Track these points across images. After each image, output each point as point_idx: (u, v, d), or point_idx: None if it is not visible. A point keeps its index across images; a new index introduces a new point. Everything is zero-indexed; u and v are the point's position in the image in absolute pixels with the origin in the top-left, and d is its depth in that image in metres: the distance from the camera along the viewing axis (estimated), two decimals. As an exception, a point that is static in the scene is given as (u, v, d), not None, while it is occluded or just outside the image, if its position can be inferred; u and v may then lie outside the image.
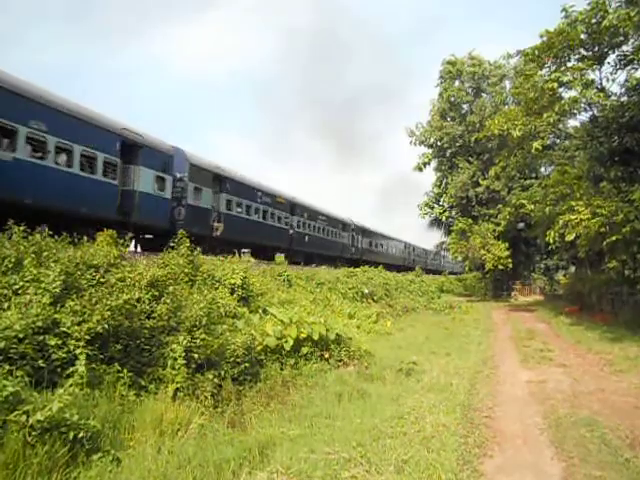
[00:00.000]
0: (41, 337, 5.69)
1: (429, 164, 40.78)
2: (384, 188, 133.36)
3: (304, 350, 9.16)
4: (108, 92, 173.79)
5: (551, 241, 19.38)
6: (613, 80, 20.22)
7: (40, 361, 5.50)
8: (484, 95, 39.98)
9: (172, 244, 11.01)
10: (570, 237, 17.16)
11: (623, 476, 5.09)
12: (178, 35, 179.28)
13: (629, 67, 19.29)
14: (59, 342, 5.79)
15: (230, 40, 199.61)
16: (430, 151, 40.75)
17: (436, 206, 42.20)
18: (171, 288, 8.07)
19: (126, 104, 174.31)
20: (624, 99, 19.94)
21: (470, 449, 5.68)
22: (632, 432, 6.41)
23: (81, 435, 4.74)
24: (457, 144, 39.44)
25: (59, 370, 5.69)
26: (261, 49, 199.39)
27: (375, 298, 21.53)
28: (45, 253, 7.47)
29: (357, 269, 25.93)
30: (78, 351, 5.78)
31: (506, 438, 6.26)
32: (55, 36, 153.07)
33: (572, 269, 37.10)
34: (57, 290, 6.40)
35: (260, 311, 10.72)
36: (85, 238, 9.11)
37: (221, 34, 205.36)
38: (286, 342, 8.89)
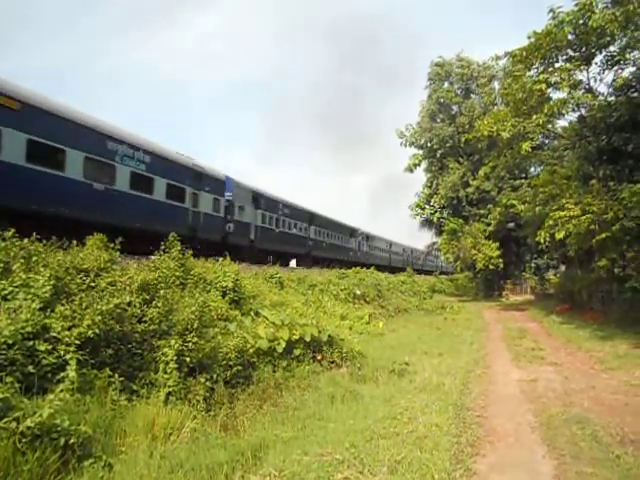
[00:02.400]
0: (31, 343, 5.63)
1: (419, 165, 41.06)
2: (384, 186, 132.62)
3: (296, 352, 9.15)
4: (94, 94, 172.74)
5: (542, 241, 19.50)
6: (601, 80, 20.39)
7: (30, 367, 5.44)
8: (473, 96, 40.30)
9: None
10: (560, 235, 17.28)
11: (614, 473, 5.13)
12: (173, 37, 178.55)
13: (616, 67, 19.49)
14: (49, 347, 5.73)
15: (228, 40, 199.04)
16: (420, 152, 41.00)
17: (427, 207, 42.40)
18: (162, 292, 8.02)
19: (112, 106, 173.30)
20: (612, 99, 20.13)
21: (463, 448, 5.70)
22: (622, 429, 6.48)
23: (72, 441, 4.70)
24: (447, 145, 39.66)
25: (49, 376, 5.62)
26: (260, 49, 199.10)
27: (367, 299, 21.57)
28: (34, 258, 7.40)
29: (349, 271, 25.95)
30: (68, 356, 5.74)
31: (498, 437, 6.29)
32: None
33: (562, 268, 37.35)
34: (47, 295, 6.34)
35: (252, 313, 10.66)
36: None
37: (220, 34, 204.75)
38: (278, 344, 8.87)
